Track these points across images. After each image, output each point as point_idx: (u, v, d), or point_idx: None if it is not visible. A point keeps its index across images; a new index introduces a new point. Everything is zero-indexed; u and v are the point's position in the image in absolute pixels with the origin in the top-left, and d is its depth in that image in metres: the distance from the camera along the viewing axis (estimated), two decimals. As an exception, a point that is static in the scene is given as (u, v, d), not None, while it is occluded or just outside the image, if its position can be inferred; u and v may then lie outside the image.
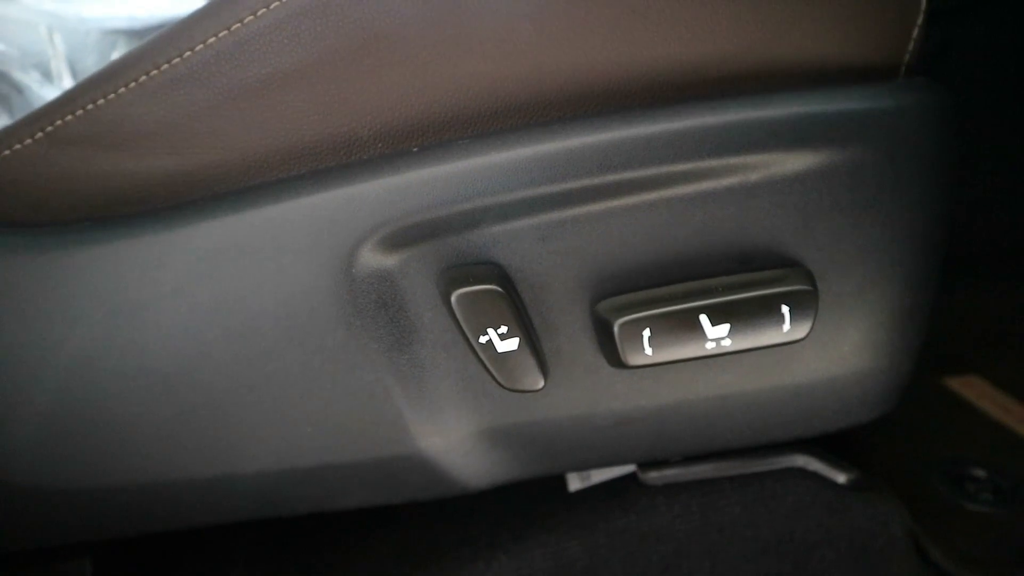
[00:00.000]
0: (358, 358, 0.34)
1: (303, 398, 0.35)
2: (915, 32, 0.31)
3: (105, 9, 0.64)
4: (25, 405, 0.35)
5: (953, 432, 0.54)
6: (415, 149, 0.31)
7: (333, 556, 0.48)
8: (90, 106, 0.31)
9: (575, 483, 0.47)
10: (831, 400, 0.37)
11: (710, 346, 0.32)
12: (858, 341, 0.35)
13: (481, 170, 0.31)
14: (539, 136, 0.30)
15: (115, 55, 0.71)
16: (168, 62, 0.30)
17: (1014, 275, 0.74)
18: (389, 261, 0.32)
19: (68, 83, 0.65)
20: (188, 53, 0.30)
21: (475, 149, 0.31)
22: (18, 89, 0.60)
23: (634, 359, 0.32)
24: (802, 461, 0.44)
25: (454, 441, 0.37)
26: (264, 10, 0.30)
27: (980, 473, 0.49)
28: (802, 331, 0.32)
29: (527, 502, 0.47)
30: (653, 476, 0.45)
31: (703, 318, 0.31)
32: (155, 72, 0.31)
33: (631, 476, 0.46)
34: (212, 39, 0.30)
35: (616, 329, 0.31)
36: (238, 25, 0.30)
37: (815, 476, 0.44)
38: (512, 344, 0.32)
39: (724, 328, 0.32)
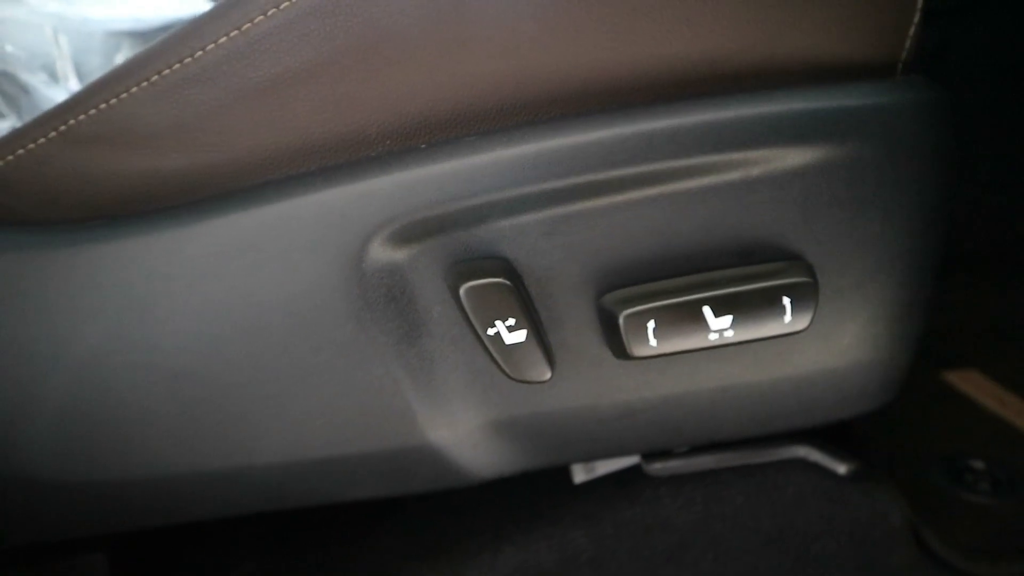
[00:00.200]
0: (368, 351, 0.34)
1: (314, 391, 0.35)
2: (911, 31, 0.32)
3: (110, 11, 0.64)
4: (39, 400, 0.35)
5: (952, 425, 0.55)
6: (423, 146, 0.32)
7: (341, 548, 0.49)
8: (102, 106, 0.32)
9: (580, 475, 0.48)
10: (831, 391, 0.38)
11: (713, 337, 0.32)
12: (858, 333, 0.36)
13: (488, 166, 0.31)
14: (544, 133, 0.31)
15: (119, 56, 0.72)
16: (179, 62, 0.31)
17: (1012, 272, 0.74)
18: (398, 256, 0.33)
19: (73, 84, 0.66)
20: (199, 53, 0.31)
21: (482, 146, 0.31)
22: (25, 90, 0.60)
23: (639, 350, 0.32)
24: (803, 452, 0.45)
25: (462, 432, 0.37)
26: (274, 10, 0.30)
27: (978, 465, 0.50)
28: (803, 323, 0.32)
29: (533, 494, 0.47)
30: (657, 467, 0.45)
31: (706, 310, 0.32)
32: (166, 72, 0.31)
33: (635, 468, 0.47)
34: (223, 39, 0.30)
35: (621, 321, 0.32)
36: (248, 25, 0.30)
37: (816, 467, 0.45)
38: (520, 336, 0.32)
39: (727, 320, 0.32)
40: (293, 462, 0.37)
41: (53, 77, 0.63)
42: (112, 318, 0.34)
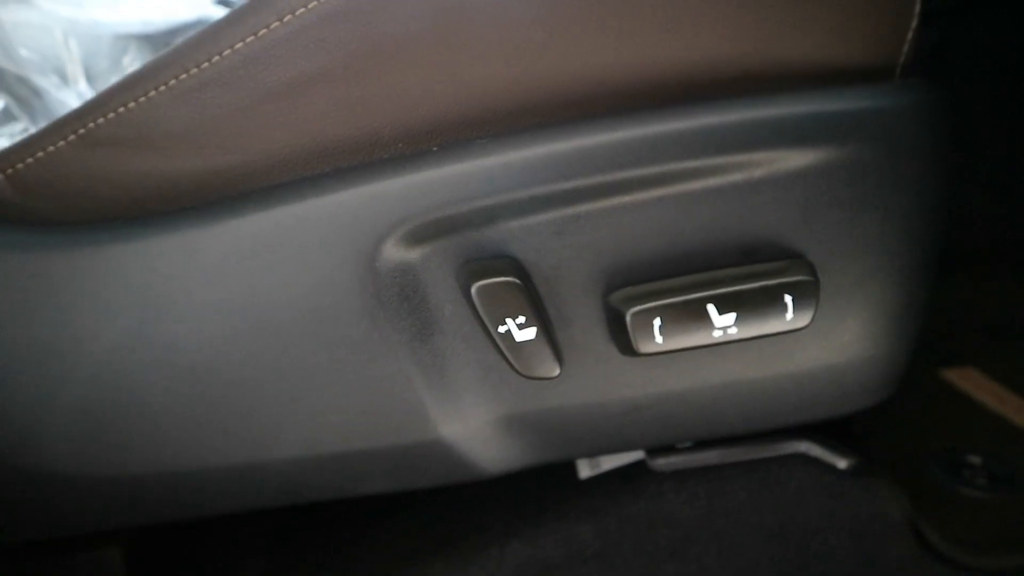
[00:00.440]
0: (381, 349, 0.35)
1: (328, 387, 0.36)
2: (909, 35, 0.32)
3: (120, 15, 0.65)
4: (60, 396, 0.36)
5: (950, 421, 0.55)
6: (435, 148, 0.32)
7: (353, 541, 0.49)
8: (121, 109, 0.32)
9: (585, 470, 0.49)
10: (832, 387, 0.38)
11: (717, 334, 0.33)
12: (858, 330, 0.36)
13: (498, 168, 0.32)
14: (553, 136, 0.32)
15: (127, 59, 0.73)
16: (196, 66, 0.31)
17: (1010, 271, 0.75)
18: (411, 255, 0.34)
19: (83, 86, 0.66)
20: (216, 58, 0.31)
21: (492, 148, 0.32)
22: (37, 93, 0.61)
23: (645, 347, 0.33)
24: (804, 448, 0.46)
25: (473, 428, 0.38)
26: (290, 16, 0.30)
27: (975, 460, 0.50)
28: (804, 320, 0.33)
29: (539, 490, 0.48)
30: (661, 463, 0.46)
31: (710, 307, 0.33)
32: (184, 76, 0.32)
33: (640, 463, 0.48)
34: (239, 44, 0.31)
35: (628, 318, 0.33)
36: (264, 30, 0.31)
37: (817, 462, 0.46)
38: (529, 333, 0.33)
39: (730, 317, 0.33)
40: (307, 457, 0.38)
41: (64, 80, 0.64)
42: (131, 316, 0.34)
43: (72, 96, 0.64)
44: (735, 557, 0.44)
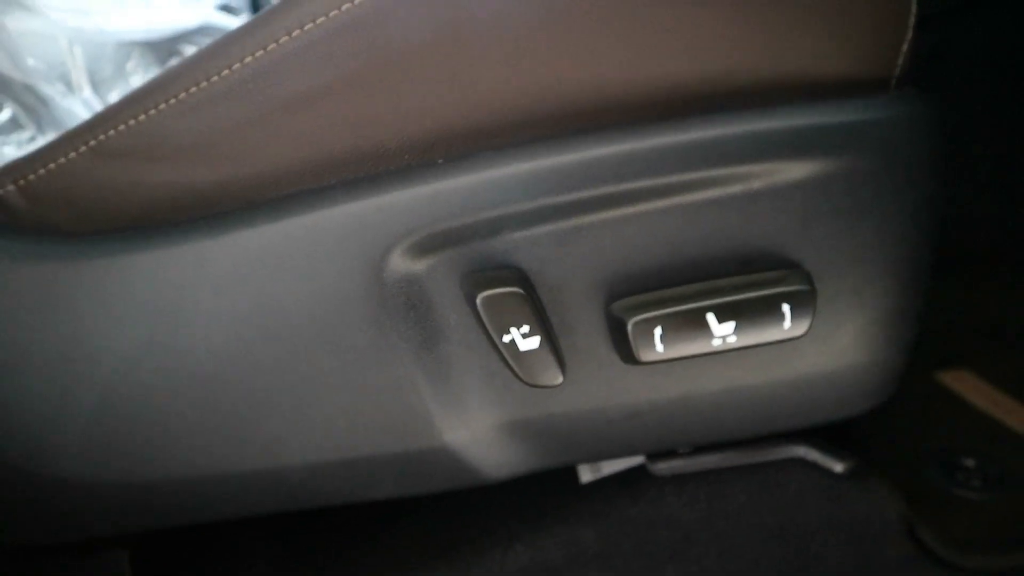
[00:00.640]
0: (388, 357, 0.36)
1: (337, 395, 0.36)
2: (904, 47, 0.33)
3: (125, 22, 0.66)
4: (73, 404, 0.36)
5: (945, 424, 0.56)
6: (440, 160, 0.33)
7: (358, 546, 0.50)
8: (131, 121, 0.33)
9: (586, 475, 0.49)
10: (829, 392, 0.39)
11: (716, 343, 0.34)
12: (854, 337, 0.37)
13: (503, 180, 0.32)
14: (557, 148, 0.32)
15: (130, 64, 0.73)
16: (207, 79, 0.32)
17: (1007, 272, 0.75)
18: (417, 266, 0.34)
19: (88, 93, 0.67)
20: (226, 71, 0.31)
21: (497, 160, 0.32)
22: (43, 101, 0.61)
23: (646, 355, 0.34)
24: (802, 452, 0.46)
25: (478, 434, 0.38)
26: (298, 31, 0.31)
27: (970, 462, 0.50)
28: (802, 328, 0.34)
29: (541, 494, 0.48)
30: (661, 467, 0.47)
31: (710, 316, 0.33)
32: (194, 89, 0.32)
33: (640, 468, 0.48)
34: (248, 58, 0.31)
35: (630, 327, 0.33)
36: (273, 45, 0.31)
37: (814, 466, 0.46)
38: (533, 343, 0.34)
39: (730, 326, 0.33)
40: (315, 463, 0.38)
41: (69, 87, 0.64)
42: (142, 325, 0.35)
43: (77, 103, 0.64)
44: (735, 558, 0.45)
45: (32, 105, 0.60)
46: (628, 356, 0.34)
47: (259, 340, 0.35)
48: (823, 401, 0.39)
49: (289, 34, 0.31)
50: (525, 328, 0.33)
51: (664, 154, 0.32)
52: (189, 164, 0.33)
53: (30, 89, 0.59)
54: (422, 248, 0.34)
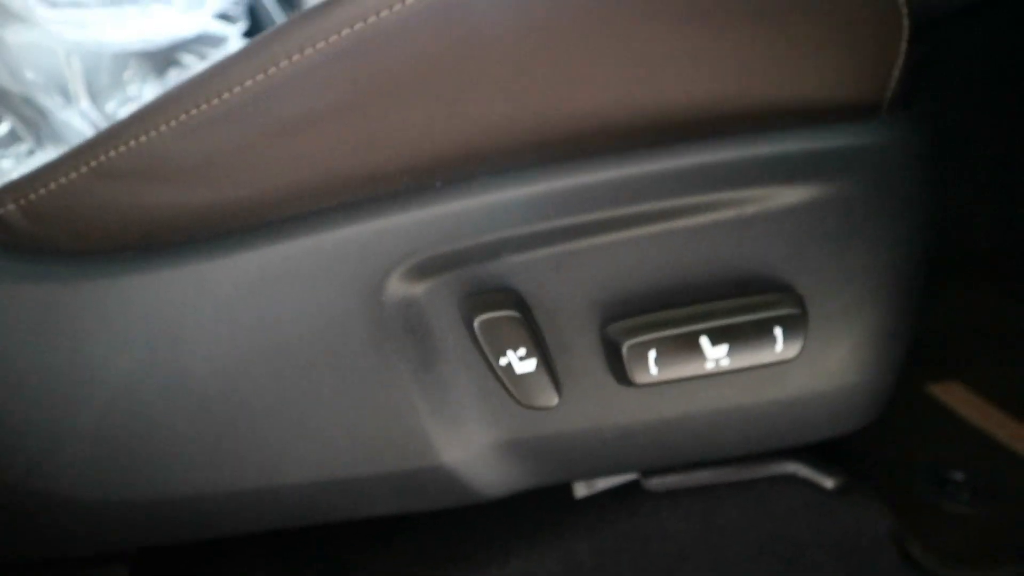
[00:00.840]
0: (387, 377, 0.36)
1: (336, 415, 0.37)
2: (895, 72, 0.33)
3: (122, 33, 0.66)
4: (74, 423, 0.36)
5: (934, 437, 0.55)
6: (439, 184, 0.33)
7: (355, 561, 0.50)
8: (133, 142, 0.33)
9: (581, 490, 0.49)
10: (820, 412, 0.39)
11: (710, 365, 0.34)
12: (845, 358, 0.37)
13: (500, 205, 0.33)
14: (554, 173, 0.32)
15: (127, 74, 0.73)
16: (207, 102, 0.32)
17: (1002, 278, 0.75)
18: (416, 289, 0.34)
19: (85, 104, 0.67)
20: (226, 94, 0.32)
21: (494, 185, 0.33)
22: (42, 113, 0.61)
23: (640, 377, 0.34)
24: (793, 468, 0.47)
25: (474, 453, 0.39)
26: (298, 55, 0.31)
27: (959, 476, 0.50)
28: (794, 351, 0.34)
29: (537, 509, 0.49)
30: (655, 483, 0.47)
31: (703, 340, 0.34)
32: (195, 111, 0.32)
33: (635, 483, 0.49)
34: (249, 81, 0.31)
35: (624, 350, 0.34)
36: (274, 69, 0.31)
37: (805, 482, 0.47)
38: (529, 365, 0.34)
39: (723, 349, 0.34)
40: (315, 481, 0.39)
41: (67, 99, 0.64)
42: (142, 345, 0.35)
43: (75, 115, 0.64)
44: (728, 572, 0.45)
45: (30, 117, 0.60)
46: (623, 378, 0.35)
47: (259, 361, 0.35)
48: (814, 421, 0.40)
49: (290, 58, 0.31)
50: (522, 351, 0.34)
51: (659, 180, 0.33)
52: (190, 185, 0.34)
53: (28, 101, 0.59)
54: (421, 271, 0.34)
